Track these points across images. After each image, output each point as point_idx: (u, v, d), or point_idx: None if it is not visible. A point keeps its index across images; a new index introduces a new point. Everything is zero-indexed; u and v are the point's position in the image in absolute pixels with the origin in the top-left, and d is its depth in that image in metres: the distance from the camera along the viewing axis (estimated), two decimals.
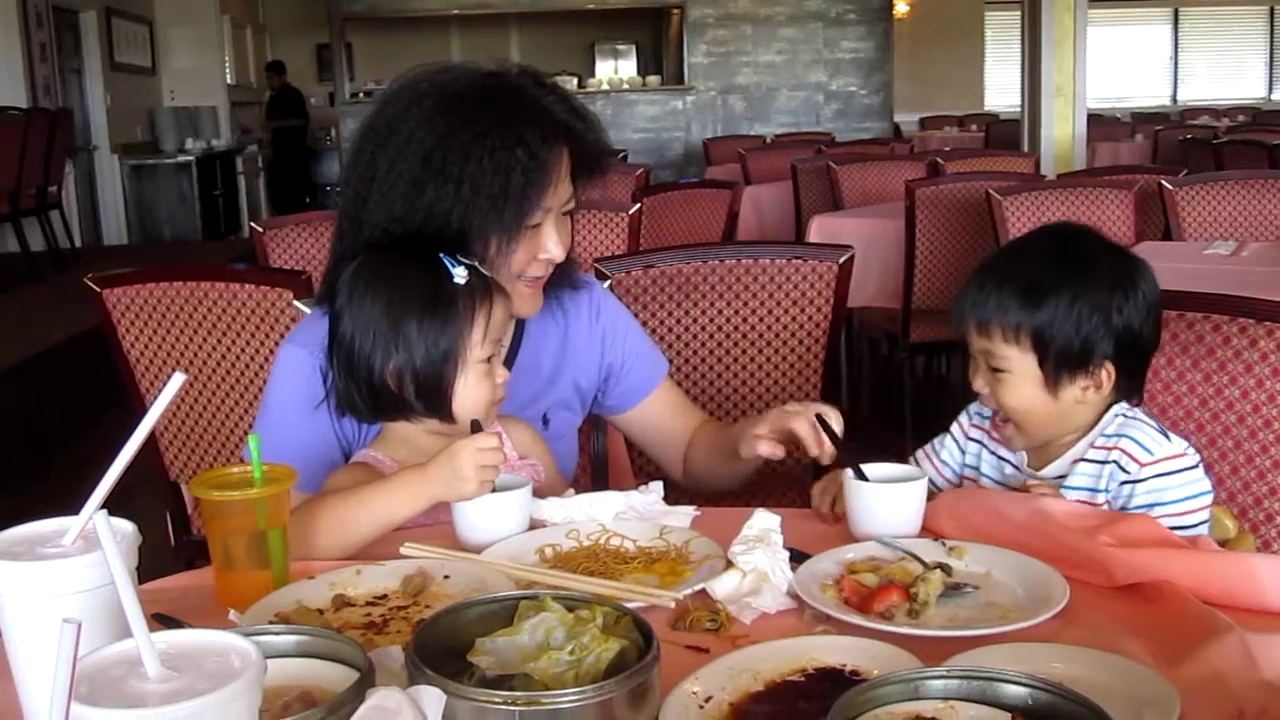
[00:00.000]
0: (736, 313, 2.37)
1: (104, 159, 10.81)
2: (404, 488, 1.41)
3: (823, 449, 1.56)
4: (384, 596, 1.25)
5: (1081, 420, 1.56)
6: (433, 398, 1.50)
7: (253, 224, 3.82)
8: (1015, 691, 0.89)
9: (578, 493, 1.50)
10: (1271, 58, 15.92)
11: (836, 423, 1.57)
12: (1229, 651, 1.05)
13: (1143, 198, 4.34)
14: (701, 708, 0.99)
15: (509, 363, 1.69)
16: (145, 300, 2.48)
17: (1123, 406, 1.56)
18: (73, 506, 0.98)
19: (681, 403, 1.92)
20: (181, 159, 11.29)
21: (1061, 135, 7.39)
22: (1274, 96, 15.69)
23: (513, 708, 0.89)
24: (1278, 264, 3.33)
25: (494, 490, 1.40)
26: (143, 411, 0.99)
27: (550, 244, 1.63)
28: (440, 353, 1.48)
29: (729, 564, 1.26)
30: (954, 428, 1.71)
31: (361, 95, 12.98)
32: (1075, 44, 7.30)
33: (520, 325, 1.75)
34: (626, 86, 13.67)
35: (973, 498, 1.46)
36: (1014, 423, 1.56)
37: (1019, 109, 7.73)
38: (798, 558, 1.29)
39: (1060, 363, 1.50)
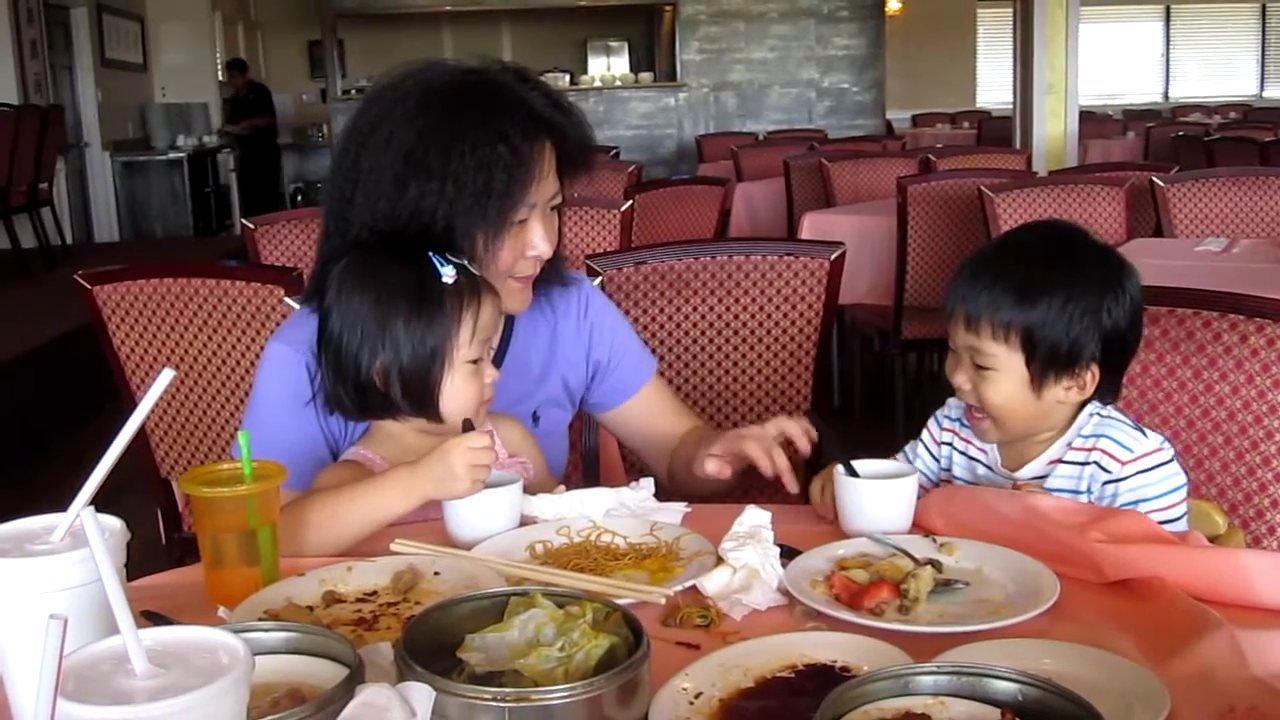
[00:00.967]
0: (728, 309, 2.37)
1: (95, 156, 10.78)
2: (395, 485, 1.41)
3: (781, 472, 1.56)
4: (374, 593, 1.25)
5: (1059, 419, 1.56)
6: (419, 397, 1.50)
7: (244, 220, 3.80)
8: (1005, 687, 0.89)
9: (569, 489, 1.50)
10: (1263, 55, 15.93)
11: (801, 439, 1.58)
12: (1219, 648, 1.05)
13: (1134, 195, 4.35)
14: (692, 704, 0.99)
15: (498, 360, 1.68)
16: (136, 297, 2.47)
17: (1096, 405, 1.56)
18: (64, 503, 0.97)
19: (669, 404, 1.89)
20: (173, 155, 11.26)
21: (1053, 132, 7.39)
22: (1265, 94, 15.69)
23: (502, 704, 0.89)
24: (1268, 261, 3.34)
25: (485, 487, 1.40)
26: (133, 408, 0.99)
27: (537, 240, 1.63)
28: (427, 352, 1.48)
29: (720, 560, 1.26)
30: (925, 435, 1.70)
31: (353, 92, 12.91)
32: (1067, 41, 7.30)
33: (509, 323, 1.75)
34: (619, 83, 13.64)
35: (963, 494, 1.46)
36: (992, 418, 1.56)
37: (1011, 106, 7.72)
38: (788, 554, 1.29)
39: (1048, 363, 1.50)
